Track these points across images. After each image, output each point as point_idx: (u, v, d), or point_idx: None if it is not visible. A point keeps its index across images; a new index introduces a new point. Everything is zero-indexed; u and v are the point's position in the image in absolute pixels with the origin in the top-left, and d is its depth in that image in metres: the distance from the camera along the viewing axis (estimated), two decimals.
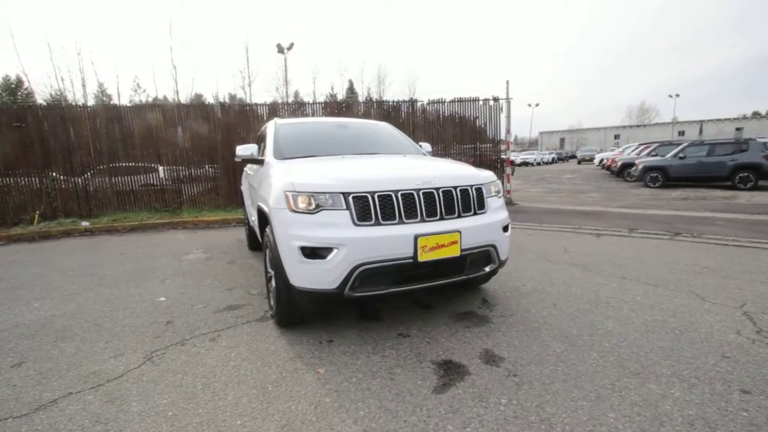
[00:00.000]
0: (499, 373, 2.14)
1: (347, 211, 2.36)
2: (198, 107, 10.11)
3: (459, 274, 2.63)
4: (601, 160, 23.21)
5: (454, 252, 2.46)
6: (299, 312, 2.73)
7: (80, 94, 24.20)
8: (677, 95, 44.38)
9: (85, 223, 7.82)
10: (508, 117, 9.90)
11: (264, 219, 3.02)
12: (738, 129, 36.68)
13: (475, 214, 2.67)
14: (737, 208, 7.76)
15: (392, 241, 2.35)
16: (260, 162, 3.58)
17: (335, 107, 10.10)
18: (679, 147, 12.82)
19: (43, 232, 7.25)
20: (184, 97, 29.56)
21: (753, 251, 4.52)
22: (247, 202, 4.98)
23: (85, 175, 8.61)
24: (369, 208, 2.38)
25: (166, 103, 15.04)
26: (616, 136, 47.01)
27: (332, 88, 44.05)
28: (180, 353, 2.51)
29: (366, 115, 9.90)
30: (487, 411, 1.83)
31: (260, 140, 4.54)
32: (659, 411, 1.80)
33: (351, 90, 45.78)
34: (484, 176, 2.88)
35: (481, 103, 9.81)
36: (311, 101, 11.09)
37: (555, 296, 3.26)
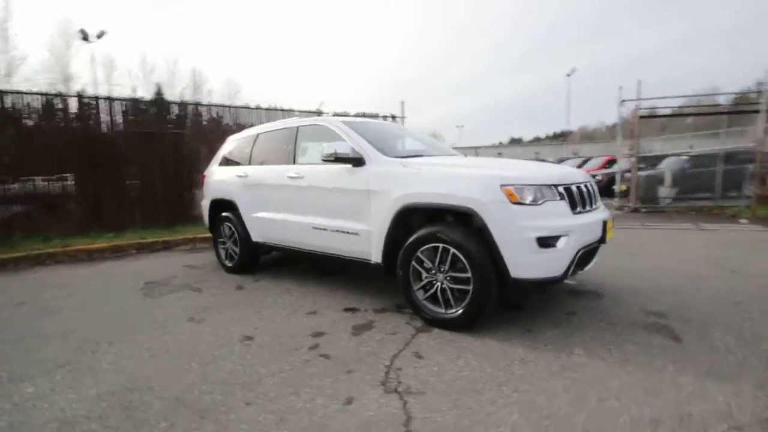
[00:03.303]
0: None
1: (564, 201, 2.55)
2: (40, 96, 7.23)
3: (595, 255, 3.12)
4: None
5: (612, 234, 2.95)
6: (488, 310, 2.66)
7: None
8: (462, 126, 56.73)
9: None
10: None
11: (417, 217, 2.85)
12: (499, 153, 49.38)
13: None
14: None
15: (594, 226, 2.66)
16: (353, 161, 3.18)
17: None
18: None
19: None
20: None
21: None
22: (251, 213, 4.14)
23: None
24: (574, 198, 2.63)
25: None
26: None
27: (135, 91, 37.14)
28: (415, 375, 2.12)
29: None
30: None
31: (285, 143, 3.94)
32: None
33: (159, 95, 39.55)
34: None
35: (381, 119, 10.48)
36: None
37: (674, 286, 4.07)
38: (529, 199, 2.45)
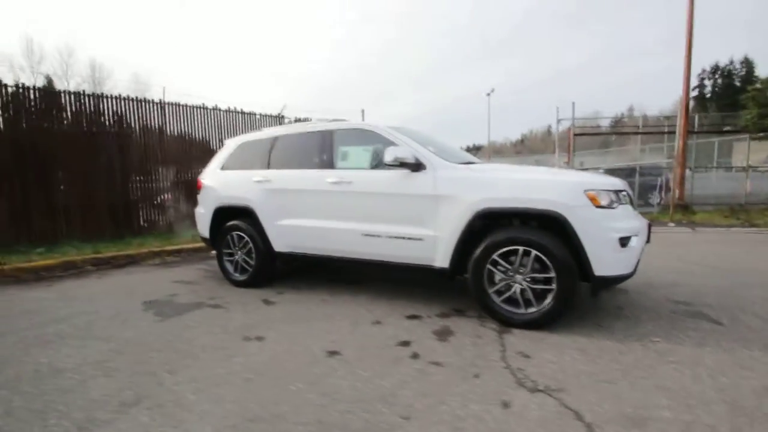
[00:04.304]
0: None
1: (629, 205, 2.84)
2: None
3: None
4: None
5: None
6: None
7: None
8: None
9: None
10: None
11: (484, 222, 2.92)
12: None
13: None
14: None
15: (645, 228, 3.00)
16: (413, 166, 3.16)
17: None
18: None
19: None
20: None
21: None
22: (275, 221, 3.86)
23: None
24: (632, 202, 2.94)
25: None
26: None
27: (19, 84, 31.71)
28: (541, 374, 2.19)
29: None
30: None
31: (318, 147, 3.78)
32: None
33: (50, 87, 34.37)
34: None
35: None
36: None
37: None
38: (606, 202, 2.70)
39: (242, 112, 8.90)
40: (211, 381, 2.23)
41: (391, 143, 3.36)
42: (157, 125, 7.71)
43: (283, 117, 9.49)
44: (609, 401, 1.93)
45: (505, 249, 2.84)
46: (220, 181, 4.34)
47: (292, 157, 3.95)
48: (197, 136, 8.29)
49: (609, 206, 2.70)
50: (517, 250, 2.80)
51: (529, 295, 2.81)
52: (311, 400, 2.02)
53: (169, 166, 7.93)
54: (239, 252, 4.16)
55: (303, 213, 3.74)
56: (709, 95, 49.22)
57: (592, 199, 2.67)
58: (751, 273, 4.27)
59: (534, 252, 2.74)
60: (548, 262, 2.71)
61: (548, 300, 2.75)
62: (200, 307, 3.56)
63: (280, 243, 3.90)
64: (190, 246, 6.38)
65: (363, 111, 11.07)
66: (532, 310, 2.81)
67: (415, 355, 2.49)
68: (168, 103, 7.84)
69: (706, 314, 3.05)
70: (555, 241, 2.72)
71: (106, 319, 3.31)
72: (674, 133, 11.95)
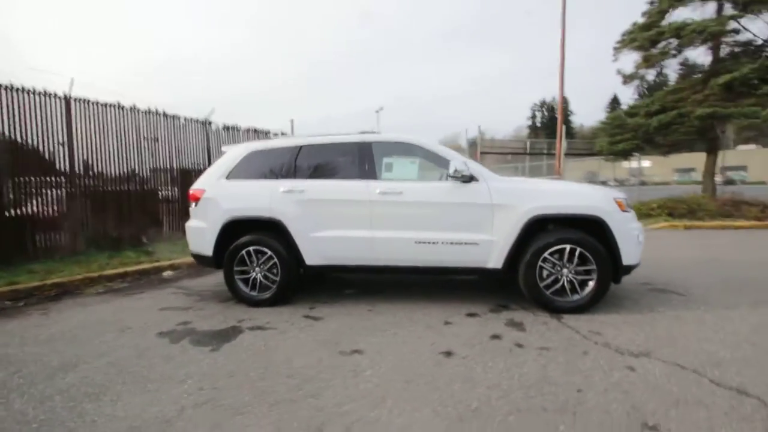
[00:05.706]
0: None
1: (633, 210, 3.67)
2: None
3: None
4: None
5: None
6: None
7: None
8: None
9: None
10: None
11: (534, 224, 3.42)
12: None
13: None
14: None
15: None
16: (466, 178, 3.47)
17: None
18: None
19: None
20: None
21: None
22: (311, 233, 3.69)
23: None
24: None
25: None
26: None
27: None
28: (624, 344, 2.73)
29: None
30: None
31: (356, 158, 3.79)
32: None
33: None
34: None
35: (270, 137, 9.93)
36: None
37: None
38: (626, 207, 3.46)
39: (165, 115, 7.80)
40: (370, 396, 2.15)
41: (438, 156, 3.62)
42: (61, 124, 6.25)
43: (210, 123, 8.62)
44: (686, 354, 2.55)
45: (556, 247, 3.36)
46: (230, 192, 3.89)
47: (324, 168, 3.84)
48: (111, 139, 6.98)
49: (626, 210, 3.47)
50: (565, 248, 3.35)
51: (575, 285, 3.37)
52: (487, 394, 2.15)
53: (76, 173, 6.48)
54: (258, 269, 3.80)
55: (346, 224, 3.66)
56: (539, 124, 61.15)
57: (619, 205, 3.40)
58: (669, 259, 5.71)
59: (579, 249, 3.33)
60: (590, 257, 3.32)
61: (589, 288, 3.35)
62: (241, 331, 3.18)
63: (315, 256, 3.72)
64: (134, 269, 5.37)
65: (292, 121, 10.74)
66: (576, 297, 3.38)
67: (519, 345, 2.79)
68: (75, 99, 6.44)
69: (670, 290, 4.08)
70: (594, 240, 3.35)
71: (136, 358, 2.72)
72: (543, 154, 14.79)
